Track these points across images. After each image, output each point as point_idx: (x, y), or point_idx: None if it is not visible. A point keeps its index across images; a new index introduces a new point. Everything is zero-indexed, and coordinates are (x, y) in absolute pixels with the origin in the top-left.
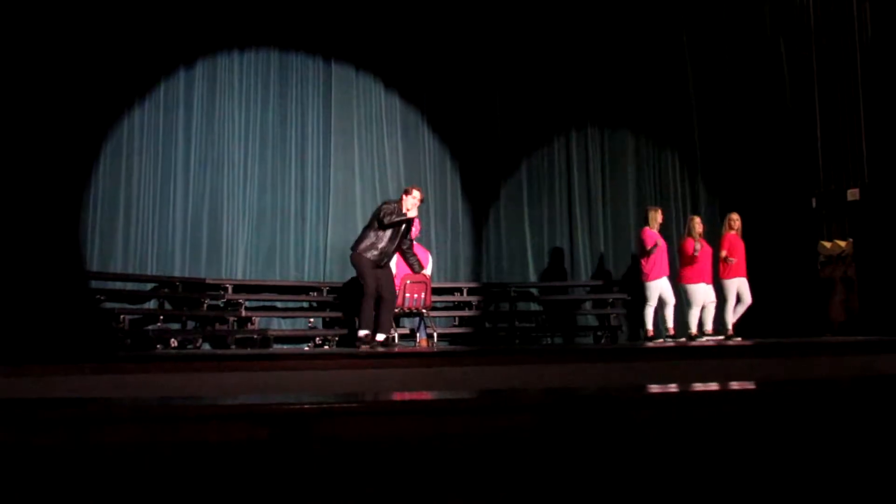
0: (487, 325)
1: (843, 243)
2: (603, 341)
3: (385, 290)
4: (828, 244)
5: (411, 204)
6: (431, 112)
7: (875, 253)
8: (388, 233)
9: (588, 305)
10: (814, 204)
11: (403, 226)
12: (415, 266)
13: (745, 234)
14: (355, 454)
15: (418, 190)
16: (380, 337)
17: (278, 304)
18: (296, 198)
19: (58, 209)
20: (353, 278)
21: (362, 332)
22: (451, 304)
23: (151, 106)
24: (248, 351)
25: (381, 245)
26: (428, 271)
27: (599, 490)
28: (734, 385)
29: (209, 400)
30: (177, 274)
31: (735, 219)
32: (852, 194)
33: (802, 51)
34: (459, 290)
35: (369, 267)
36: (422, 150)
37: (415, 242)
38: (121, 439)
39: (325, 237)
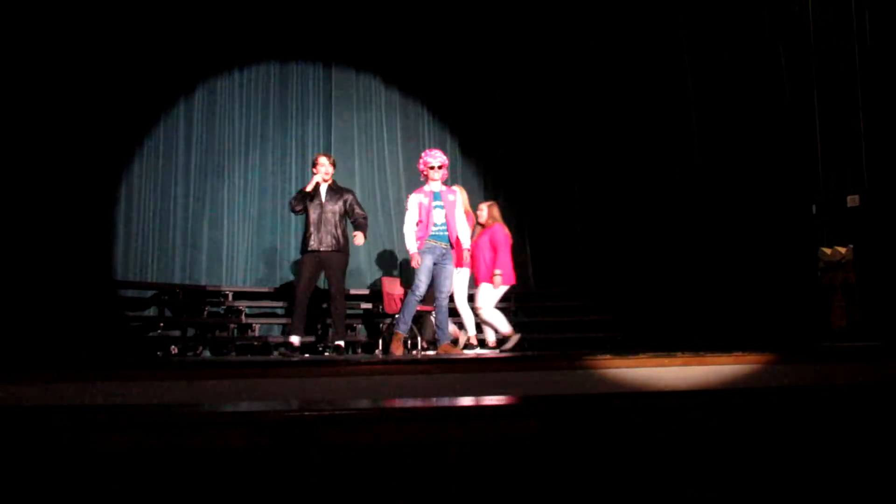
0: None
1: (843, 249)
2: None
3: (333, 284)
4: (828, 250)
5: (319, 171)
6: (432, 118)
7: (875, 259)
8: (308, 215)
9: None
10: (814, 210)
11: (323, 201)
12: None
13: (746, 240)
14: (357, 461)
15: (323, 156)
16: (339, 342)
17: (279, 311)
18: None
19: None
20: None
21: (295, 339)
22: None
23: (152, 114)
24: (249, 358)
25: (310, 230)
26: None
27: (605, 496)
28: (737, 390)
29: (210, 407)
30: (177, 281)
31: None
32: (852, 200)
33: (802, 57)
34: None
35: (306, 262)
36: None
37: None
38: (122, 446)
39: None
